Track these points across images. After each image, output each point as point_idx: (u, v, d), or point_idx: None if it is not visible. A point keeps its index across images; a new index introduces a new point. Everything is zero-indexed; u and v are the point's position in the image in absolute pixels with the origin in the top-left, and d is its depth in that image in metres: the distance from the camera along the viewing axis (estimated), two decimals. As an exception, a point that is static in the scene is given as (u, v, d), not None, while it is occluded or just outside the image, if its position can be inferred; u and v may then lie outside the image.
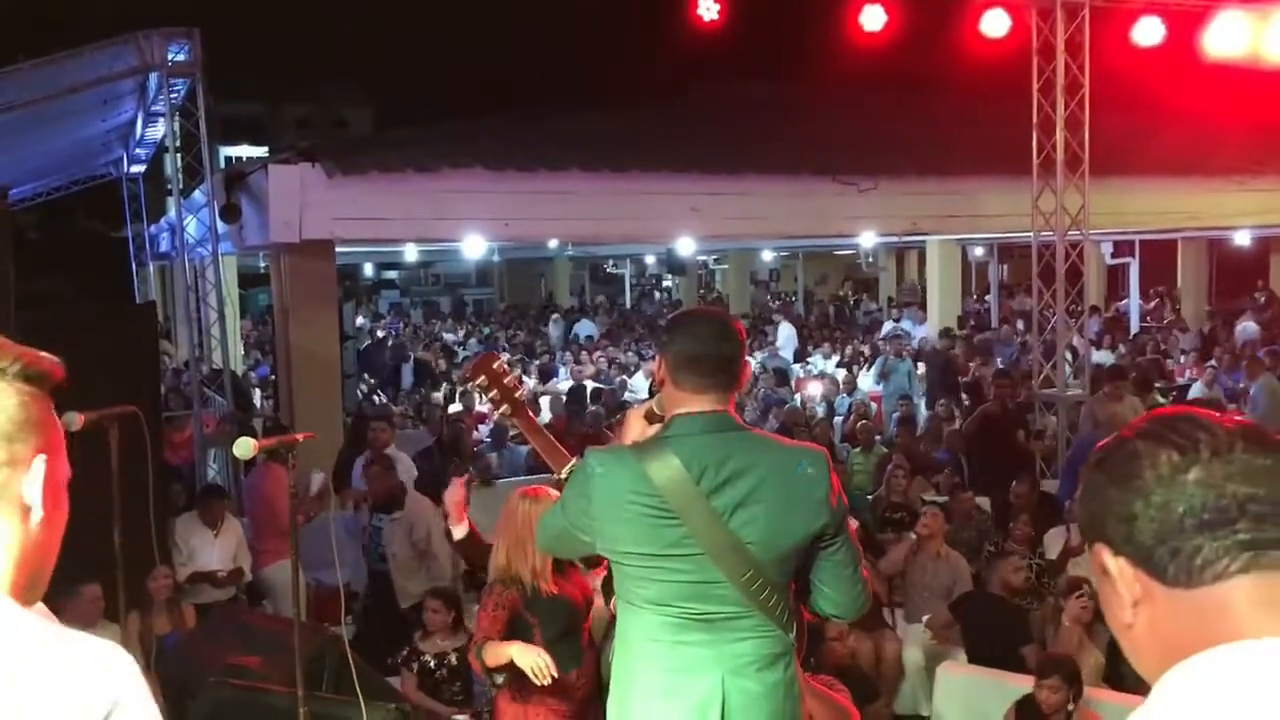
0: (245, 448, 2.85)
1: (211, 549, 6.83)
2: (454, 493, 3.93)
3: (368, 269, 29.78)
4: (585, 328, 21.28)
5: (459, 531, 3.94)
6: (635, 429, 2.80)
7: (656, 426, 2.74)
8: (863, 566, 2.74)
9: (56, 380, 1.27)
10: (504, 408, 3.30)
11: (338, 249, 9.82)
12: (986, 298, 22.28)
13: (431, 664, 5.66)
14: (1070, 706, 4.79)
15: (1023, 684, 5.03)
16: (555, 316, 23.01)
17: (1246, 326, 16.76)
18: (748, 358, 2.73)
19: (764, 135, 11.41)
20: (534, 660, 3.58)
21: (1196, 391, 11.92)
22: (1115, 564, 1.10)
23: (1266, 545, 1.05)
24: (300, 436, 3.11)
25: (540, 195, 9.47)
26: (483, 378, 3.28)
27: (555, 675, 3.64)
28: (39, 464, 1.21)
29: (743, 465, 2.55)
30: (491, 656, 3.70)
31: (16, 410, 1.21)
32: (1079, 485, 1.18)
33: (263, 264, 15.59)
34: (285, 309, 9.46)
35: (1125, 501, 1.09)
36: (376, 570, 6.75)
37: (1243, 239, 17.34)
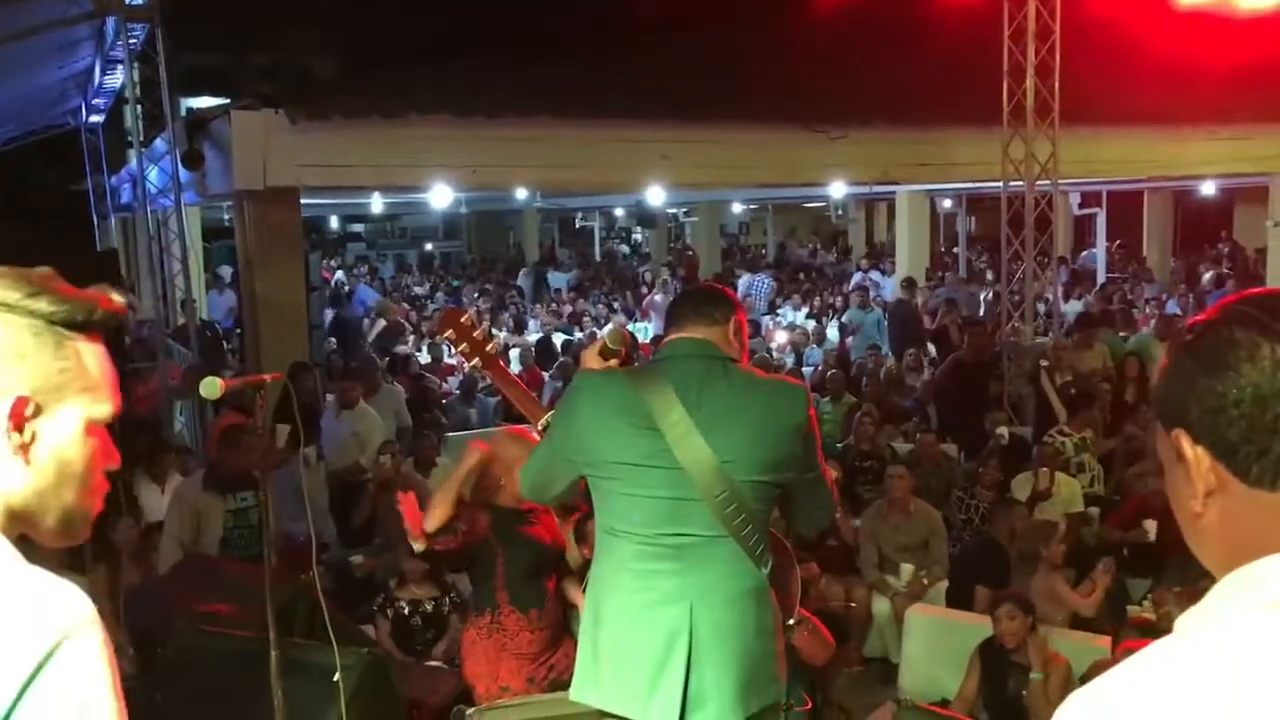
0: (212, 387, 2.80)
1: (159, 502, 6.83)
2: (409, 508, 3.90)
3: (333, 222, 29.43)
4: (558, 280, 21.22)
5: (419, 546, 3.91)
6: (592, 366, 2.85)
7: (613, 362, 2.83)
8: (832, 489, 2.88)
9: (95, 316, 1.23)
10: (475, 361, 3.27)
11: (303, 199, 9.68)
12: (955, 249, 22.35)
13: (406, 610, 5.67)
14: (1034, 635, 4.84)
15: (989, 624, 5.08)
16: (525, 269, 22.89)
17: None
18: (740, 319, 2.81)
19: (735, 83, 11.31)
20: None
21: (1162, 340, 12.02)
22: (1193, 453, 1.02)
23: None
24: (268, 377, 3.06)
25: (509, 142, 9.35)
26: (450, 331, 3.25)
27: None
28: (2, 407, 1.15)
29: (724, 387, 2.64)
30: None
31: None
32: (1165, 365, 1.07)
33: (227, 216, 15.36)
34: (250, 259, 9.33)
35: (1215, 392, 1.00)
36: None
37: (1208, 189, 17.44)
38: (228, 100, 10.07)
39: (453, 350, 3.33)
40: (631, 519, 2.64)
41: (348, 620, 4.98)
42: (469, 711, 3.58)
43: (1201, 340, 1.03)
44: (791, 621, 2.85)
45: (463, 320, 3.27)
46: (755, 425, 2.60)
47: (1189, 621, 0.99)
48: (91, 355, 1.23)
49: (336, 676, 3.45)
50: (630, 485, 2.62)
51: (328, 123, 8.76)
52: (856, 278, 17.98)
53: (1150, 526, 6.42)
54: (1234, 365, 0.99)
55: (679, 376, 2.62)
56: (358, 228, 30.71)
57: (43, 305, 1.18)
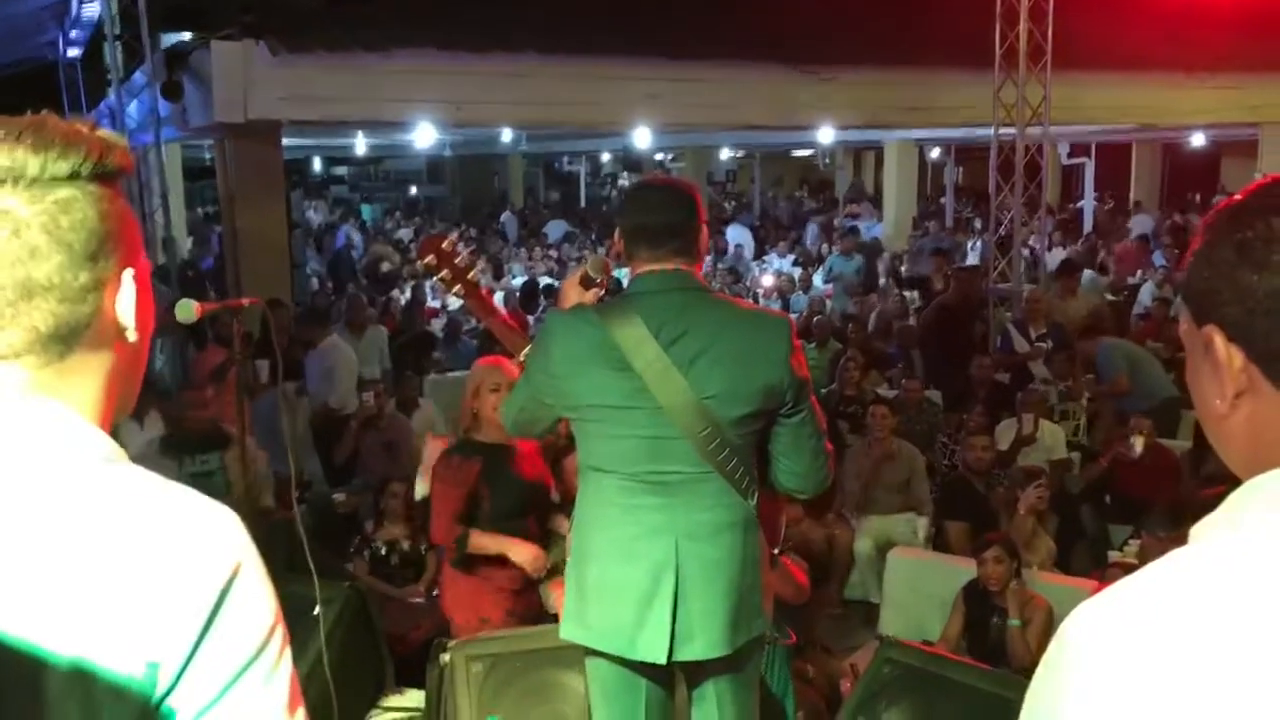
0: (187, 309, 2.72)
1: (140, 439, 6.76)
2: (431, 453, 3.89)
3: (316, 165, 29.11)
4: (556, 228, 21.03)
5: (422, 489, 3.89)
6: (572, 296, 2.77)
7: (594, 291, 2.73)
8: (825, 441, 2.72)
9: (128, 170, 1.08)
10: (456, 288, 3.17)
11: (286, 140, 9.54)
12: (942, 199, 22.27)
13: (383, 550, 5.64)
14: (1013, 584, 4.83)
15: (971, 567, 5.07)
16: (507, 213, 22.72)
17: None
18: (704, 224, 2.68)
19: (725, 21, 11.15)
20: (531, 558, 3.77)
21: (1148, 291, 12.01)
22: (1226, 351, 0.93)
23: None
24: (245, 301, 2.98)
25: (494, 77, 9.20)
26: (431, 258, 3.12)
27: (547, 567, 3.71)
28: (128, 279, 1.06)
29: (701, 320, 2.54)
30: (478, 547, 3.77)
31: (98, 222, 1.03)
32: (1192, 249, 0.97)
33: (209, 155, 15.15)
34: (231, 195, 9.20)
35: (1259, 293, 0.90)
36: None
37: (1197, 140, 17.38)
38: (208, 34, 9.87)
39: (433, 279, 3.21)
40: (614, 458, 2.57)
41: (331, 556, 4.94)
42: (450, 644, 3.55)
43: (1247, 233, 0.91)
44: (775, 551, 2.81)
45: (444, 246, 3.17)
46: (736, 358, 2.51)
47: (1204, 529, 0.93)
48: (127, 207, 1.10)
49: (316, 610, 3.40)
50: (610, 426, 2.56)
51: (309, 55, 8.60)
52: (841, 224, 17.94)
53: (1137, 442, 6.39)
54: None
55: (652, 312, 2.51)
56: (341, 170, 30.41)
57: (112, 162, 1.05)
